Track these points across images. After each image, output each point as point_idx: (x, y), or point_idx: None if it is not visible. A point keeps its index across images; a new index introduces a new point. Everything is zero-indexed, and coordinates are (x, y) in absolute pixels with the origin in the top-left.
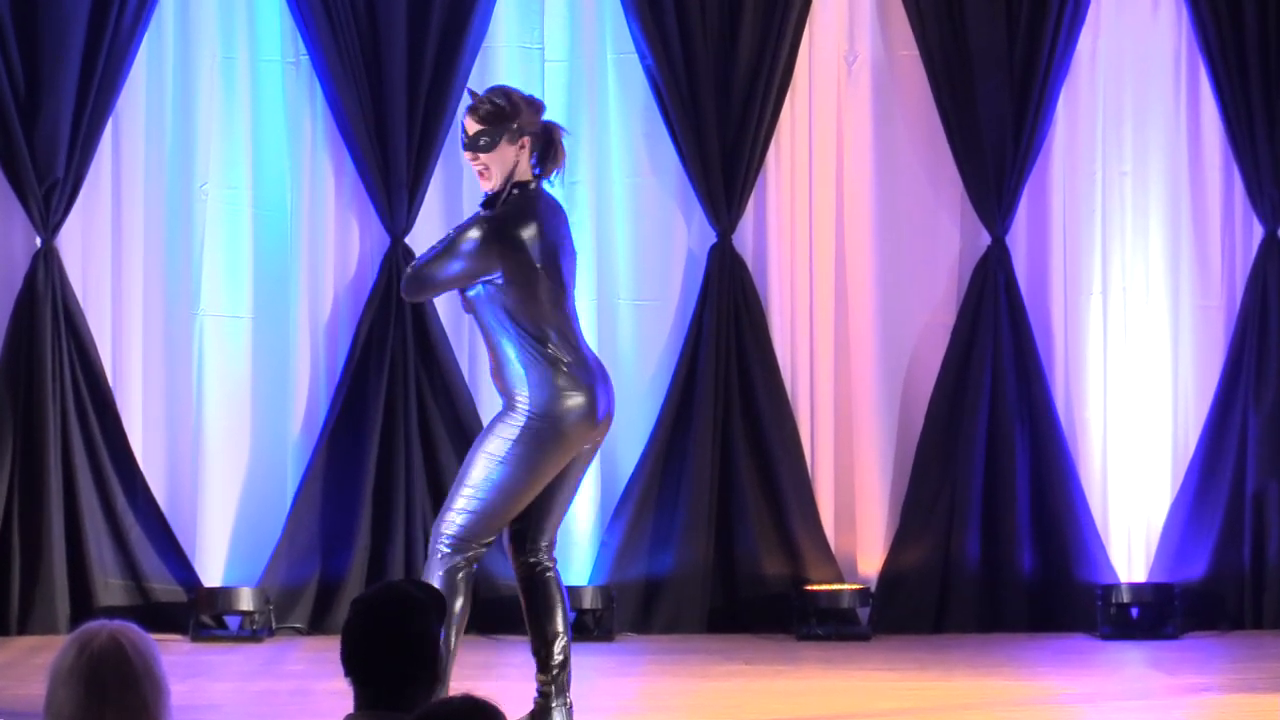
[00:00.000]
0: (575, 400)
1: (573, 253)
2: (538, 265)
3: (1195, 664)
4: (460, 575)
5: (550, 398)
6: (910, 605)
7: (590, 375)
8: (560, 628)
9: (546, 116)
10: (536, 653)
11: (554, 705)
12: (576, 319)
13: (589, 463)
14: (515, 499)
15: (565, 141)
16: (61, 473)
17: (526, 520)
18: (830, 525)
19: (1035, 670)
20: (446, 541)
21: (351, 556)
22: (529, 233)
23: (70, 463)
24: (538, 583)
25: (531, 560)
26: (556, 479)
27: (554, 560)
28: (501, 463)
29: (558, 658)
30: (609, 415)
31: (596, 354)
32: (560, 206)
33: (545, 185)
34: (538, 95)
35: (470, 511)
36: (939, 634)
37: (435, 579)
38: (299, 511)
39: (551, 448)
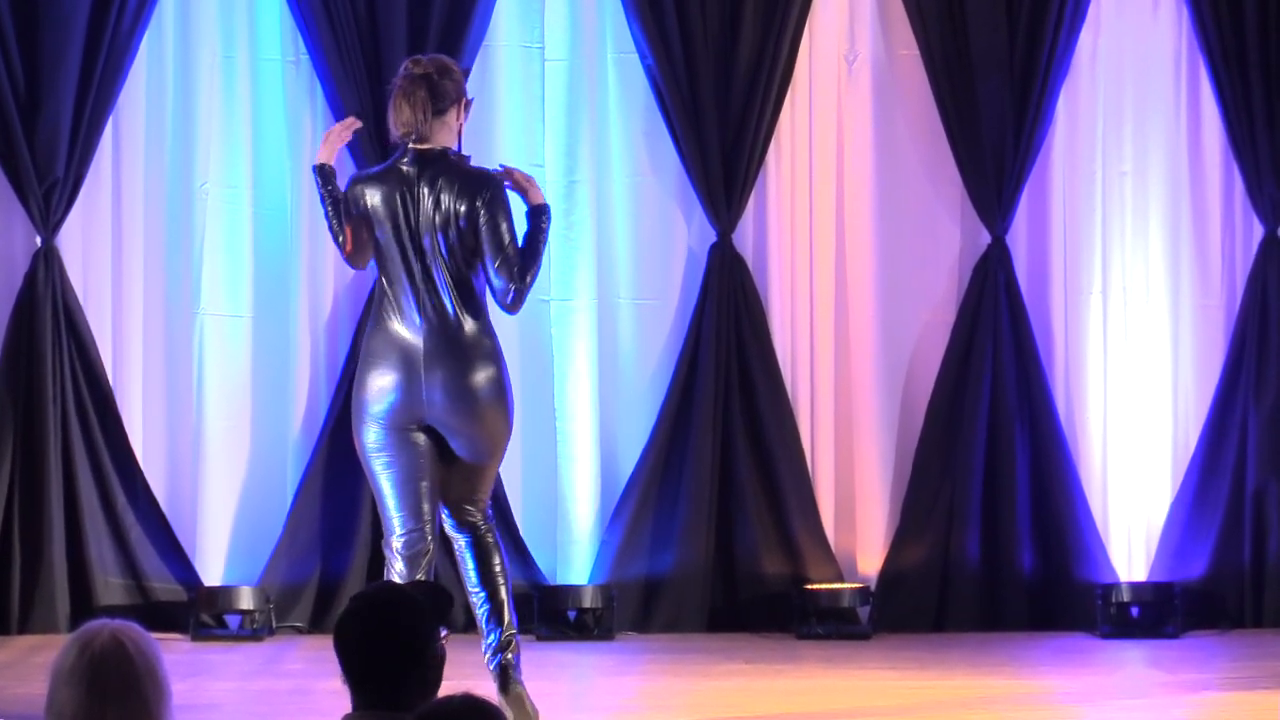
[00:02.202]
0: (364, 373)
1: (405, 218)
2: (363, 226)
3: (1195, 663)
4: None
5: (358, 370)
6: (910, 604)
7: (386, 356)
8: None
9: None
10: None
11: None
12: (410, 290)
13: (474, 443)
14: (381, 487)
15: (390, 109)
16: (61, 472)
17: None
18: (830, 524)
19: (1035, 669)
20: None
21: (352, 555)
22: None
23: (70, 462)
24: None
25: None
26: (440, 459)
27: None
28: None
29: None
30: (427, 402)
31: (445, 334)
32: (419, 170)
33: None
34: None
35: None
36: (939, 633)
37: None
38: (299, 510)
39: (358, 426)
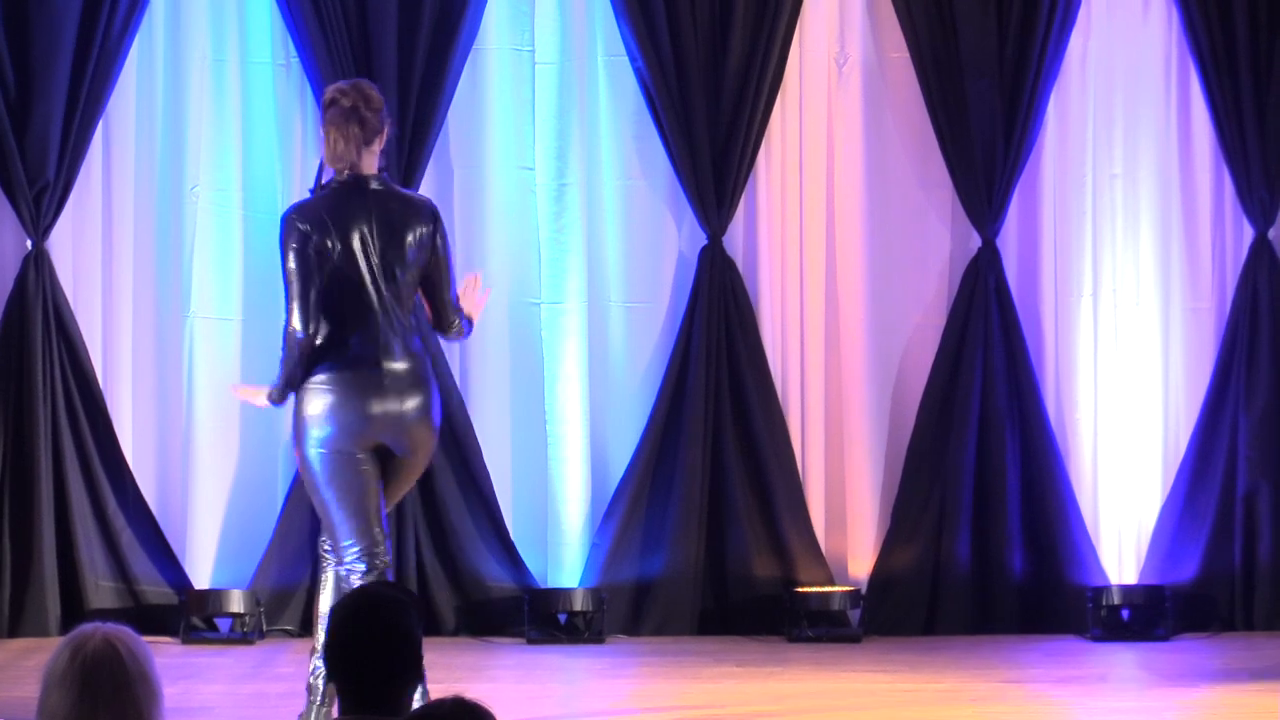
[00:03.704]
0: (317, 400)
1: (349, 241)
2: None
3: (1186, 666)
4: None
5: (302, 393)
6: (901, 607)
7: (343, 379)
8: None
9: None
10: None
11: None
12: (368, 315)
13: (406, 465)
14: (330, 512)
15: (324, 143)
16: (52, 475)
17: None
18: (821, 527)
19: (1026, 672)
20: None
21: None
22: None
23: (61, 465)
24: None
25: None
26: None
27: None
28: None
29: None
30: (380, 423)
31: (407, 359)
32: (370, 198)
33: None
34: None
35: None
36: (929, 636)
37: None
38: (290, 514)
39: (305, 445)
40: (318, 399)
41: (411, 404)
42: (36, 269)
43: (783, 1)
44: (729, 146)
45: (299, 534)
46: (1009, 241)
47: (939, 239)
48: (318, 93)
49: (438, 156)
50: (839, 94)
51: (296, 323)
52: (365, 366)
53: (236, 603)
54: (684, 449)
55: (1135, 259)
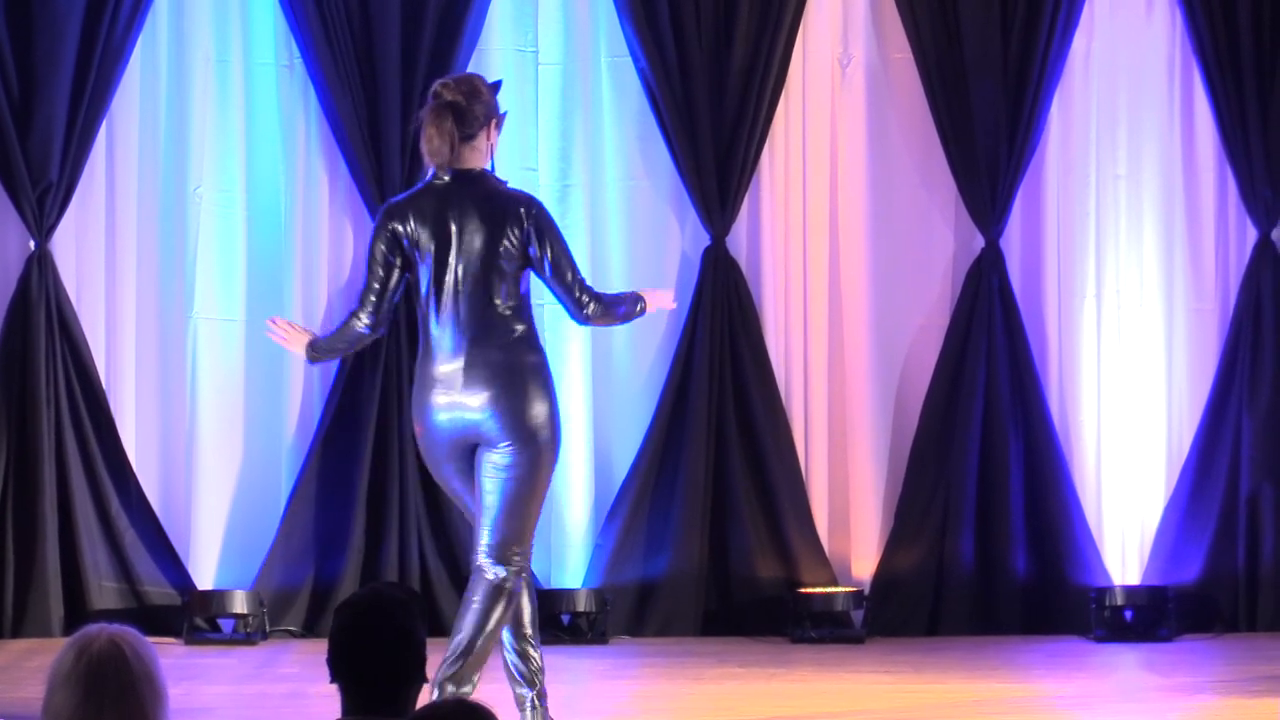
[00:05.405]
0: (419, 397)
1: (445, 239)
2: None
3: (1189, 667)
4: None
5: (414, 398)
6: (904, 608)
7: (427, 376)
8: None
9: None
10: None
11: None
12: (448, 314)
13: (504, 469)
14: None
15: (421, 138)
16: (55, 476)
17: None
18: (824, 528)
19: (1029, 673)
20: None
21: (345, 559)
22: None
23: (64, 466)
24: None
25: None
26: (465, 477)
27: (486, 564)
28: None
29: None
30: (449, 421)
31: (470, 359)
32: (453, 193)
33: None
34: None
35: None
36: (933, 636)
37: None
38: (293, 514)
39: (420, 441)
40: (417, 395)
41: (498, 402)
42: (40, 269)
43: (786, 2)
44: (732, 148)
45: (302, 535)
46: (1012, 242)
47: (942, 240)
48: (320, 94)
49: None
50: (842, 95)
51: (360, 311)
52: (451, 363)
53: (240, 603)
54: (687, 450)
55: (1138, 260)
